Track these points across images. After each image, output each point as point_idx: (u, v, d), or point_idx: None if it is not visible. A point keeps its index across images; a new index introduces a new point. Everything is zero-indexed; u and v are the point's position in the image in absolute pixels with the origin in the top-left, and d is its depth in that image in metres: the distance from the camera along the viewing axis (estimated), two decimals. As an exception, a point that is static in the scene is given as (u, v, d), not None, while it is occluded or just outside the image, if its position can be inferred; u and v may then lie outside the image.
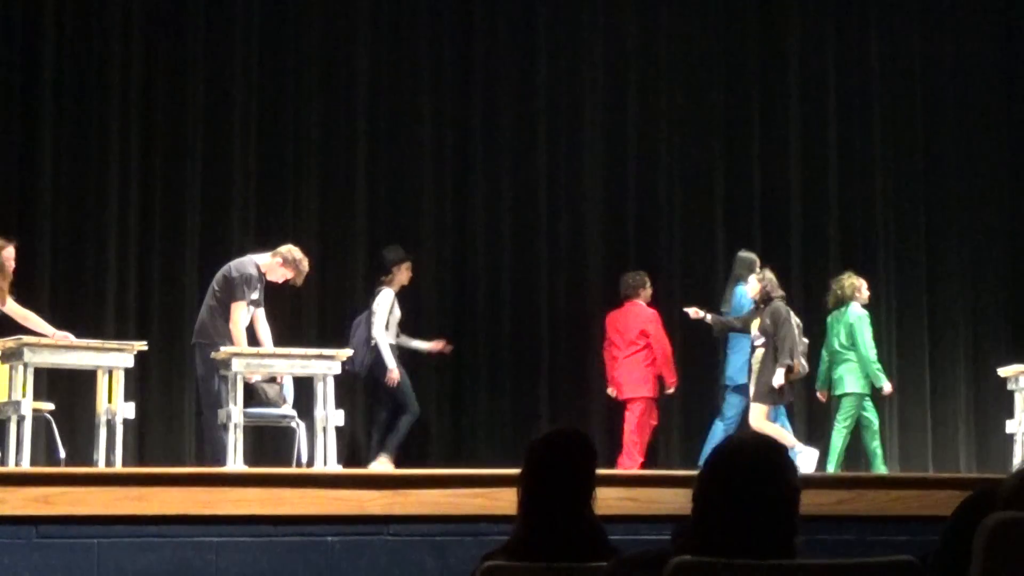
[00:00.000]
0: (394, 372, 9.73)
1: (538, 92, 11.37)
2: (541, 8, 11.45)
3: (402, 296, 10.72)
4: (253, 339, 8.99)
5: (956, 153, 11.88)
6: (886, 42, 11.88)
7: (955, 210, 11.83)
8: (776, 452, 2.84)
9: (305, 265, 9.06)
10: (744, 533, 2.75)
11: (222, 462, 8.35)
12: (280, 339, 9.34)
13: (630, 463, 9.97)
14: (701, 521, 2.81)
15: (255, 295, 8.95)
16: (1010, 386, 9.76)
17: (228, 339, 8.77)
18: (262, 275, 9.00)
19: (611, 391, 10.39)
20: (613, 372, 10.32)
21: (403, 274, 10.03)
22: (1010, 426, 9.70)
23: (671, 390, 10.34)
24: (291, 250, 9.05)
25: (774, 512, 2.77)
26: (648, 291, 10.27)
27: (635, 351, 10.15)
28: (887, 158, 11.82)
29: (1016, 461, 9.35)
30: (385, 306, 9.86)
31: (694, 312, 10.08)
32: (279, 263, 9.00)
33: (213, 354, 8.63)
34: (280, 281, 9.07)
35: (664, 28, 11.60)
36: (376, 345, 9.77)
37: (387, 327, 9.85)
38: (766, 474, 2.78)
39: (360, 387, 10.44)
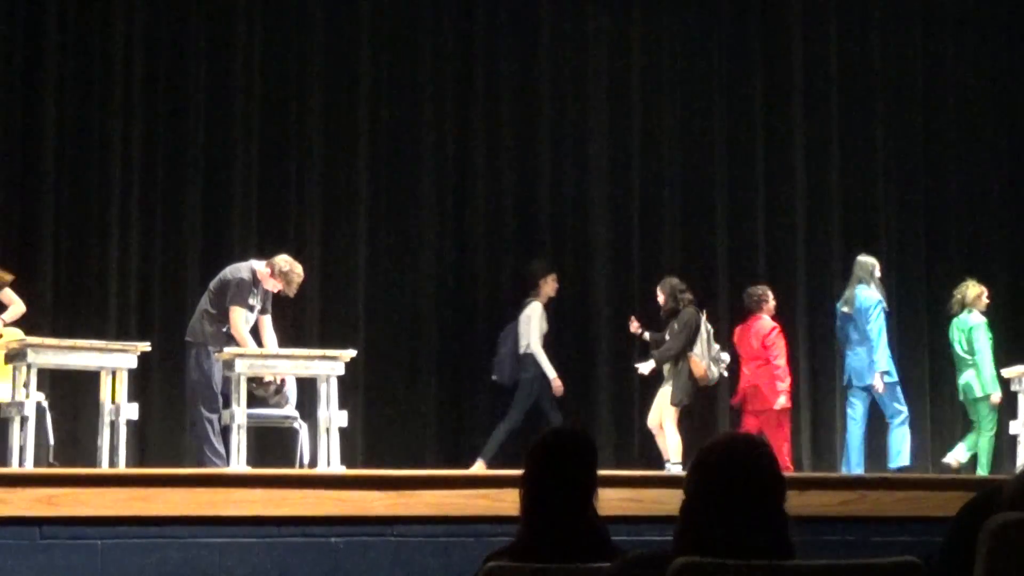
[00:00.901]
0: (557, 380, 10.02)
1: (540, 93, 11.37)
2: (543, 9, 11.45)
3: (404, 296, 10.77)
4: (258, 345, 9.00)
5: (956, 155, 11.88)
6: (888, 43, 11.89)
7: (955, 211, 11.83)
8: (754, 447, 2.87)
9: (295, 275, 8.98)
10: (731, 528, 2.77)
11: (218, 465, 8.38)
12: (283, 340, 9.35)
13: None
14: (687, 521, 2.84)
15: (251, 300, 8.94)
16: (1013, 387, 9.76)
17: (216, 342, 8.78)
18: (258, 281, 8.99)
19: (735, 402, 10.55)
20: (741, 384, 10.47)
21: (549, 286, 10.30)
22: (1013, 427, 9.70)
23: (783, 400, 10.31)
24: (282, 262, 8.98)
25: (759, 505, 2.79)
26: (771, 304, 10.45)
27: (760, 364, 10.32)
28: (888, 158, 11.82)
29: (1020, 462, 9.34)
30: (536, 318, 10.11)
31: (635, 327, 10.30)
32: (268, 274, 8.98)
33: (216, 355, 8.64)
34: (273, 291, 9.06)
35: (667, 27, 11.60)
36: (528, 355, 10.04)
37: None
38: (745, 469, 2.81)
39: (362, 389, 10.45)
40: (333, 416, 8.50)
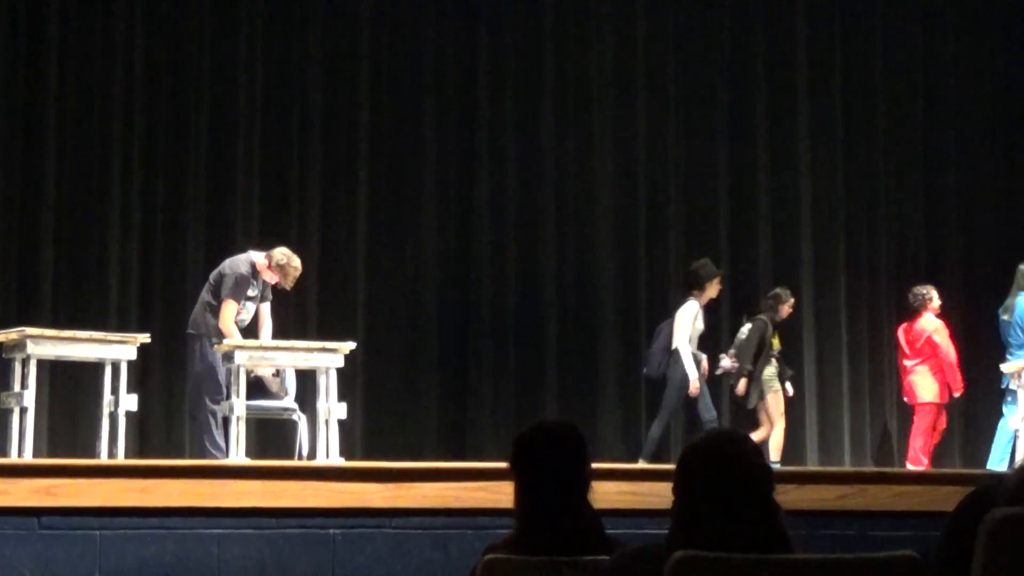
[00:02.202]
0: (695, 383, 9.93)
1: (544, 86, 11.35)
2: (547, 1, 11.44)
3: (405, 288, 10.78)
4: (255, 333, 9.00)
5: (955, 155, 11.90)
6: (889, 41, 11.90)
7: (953, 210, 11.85)
8: (736, 441, 2.91)
9: (292, 269, 8.95)
10: (720, 523, 2.78)
11: (218, 457, 8.38)
12: (283, 332, 9.35)
13: (917, 465, 10.32)
14: (678, 518, 2.88)
15: (251, 292, 8.94)
16: (1012, 383, 9.76)
17: (219, 333, 8.79)
18: (257, 273, 8.99)
19: (905, 398, 10.77)
20: (904, 380, 10.73)
21: (713, 288, 10.27)
22: (1013, 422, 9.70)
23: (958, 394, 10.69)
24: (280, 255, 8.95)
25: (746, 499, 2.81)
26: (936, 303, 10.67)
27: (922, 360, 10.57)
28: (889, 158, 11.83)
29: (1019, 457, 9.36)
30: (690, 317, 10.04)
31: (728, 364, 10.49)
32: (266, 266, 8.98)
33: (216, 347, 8.64)
34: (271, 283, 9.05)
35: (671, 23, 11.59)
36: (676, 352, 9.97)
37: (689, 339, 10.07)
38: (729, 464, 2.84)
39: (361, 381, 10.45)
40: (332, 408, 8.50)
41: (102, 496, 6.50)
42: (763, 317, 10.38)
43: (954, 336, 10.68)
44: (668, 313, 10.48)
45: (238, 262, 9.02)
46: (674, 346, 9.98)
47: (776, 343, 10.39)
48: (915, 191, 11.85)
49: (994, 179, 11.93)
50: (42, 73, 10.30)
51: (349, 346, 8.71)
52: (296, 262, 9.00)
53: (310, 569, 6.66)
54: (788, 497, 2.94)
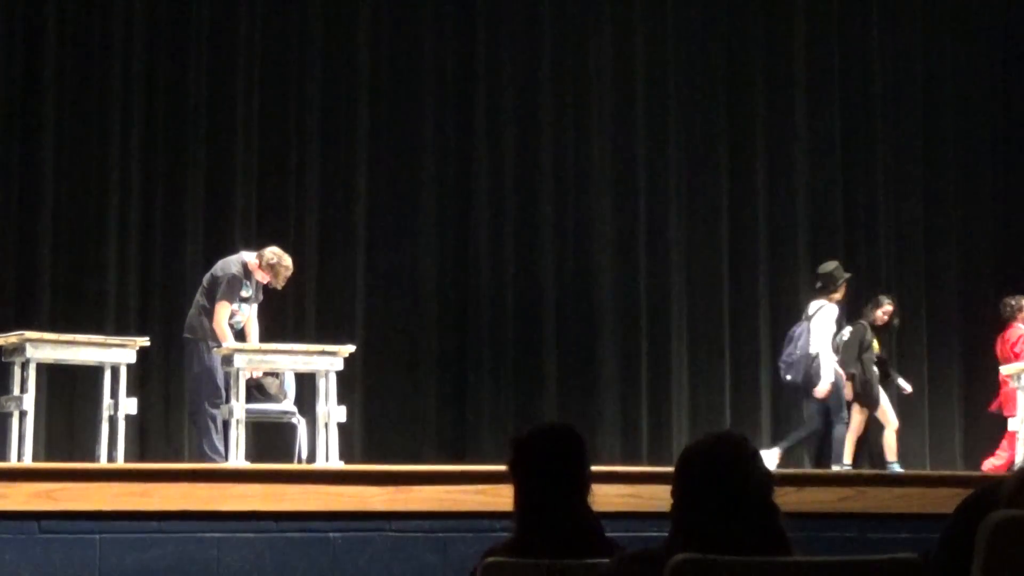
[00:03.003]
0: (826, 388, 9.95)
1: (543, 83, 11.35)
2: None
3: (403, 291, 10.78)
4: (241, 335, 9.00)
5: (954, 155, 11.90)
6: (888, 39, 11.90)
7: (952, 210, 11.86)
8: (735, 445, 2.91)
9: (282, 268, 8.91)
10: (720, 526, 2.79)
11: (217, 461, 8.37)
12: (282, 335, 9.34)
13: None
14: (678, 522, 2.89)
15: (245, 292, 8.92)
16: (1012, 384, 9.77)
17: (214, 337, 8.78)
18: (250, 273, 8.97)
19: (995, 407, 10.71)
20: (1001, 391, 10.65)
21: (842, 290, 10.29)
22: (1012, 424, 9.71)
23: None
24: (271, 254, 8.92)
25: (745, 502, 2.82)
26: None
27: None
28: (888, 157, 11.83)
29: (1018, 459, 9.36)
30: (830, 320, 10.11)
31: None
32: (257, 265, 8.96)
33: (216, 350, 8.64)
34: (263, 282, 9.04)
35: (671, 22, 11.59)
36: (818, 356, 10.00)
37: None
38: (727, 467, 2.85)
39: (360, 384, 10.45)
40: (332, 411, 8.50)
41: (102, 500, 6.50)
42: (862, 321, 10.41)
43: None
44: (668, 314, 10.47)
45: (229, 263, 9.01)
46: (813, 351, 10.00)
47: (876, 346, 10.38)
48: (914, 196, 11.84)
49: (994, 179, 11.92)
50: (40, 74, 10.30)
51: (348, 349, 8.70)
52: (287, 261, 8.98)
53: (310, 572, 6.66)
54: (788, 499, 2.94)
